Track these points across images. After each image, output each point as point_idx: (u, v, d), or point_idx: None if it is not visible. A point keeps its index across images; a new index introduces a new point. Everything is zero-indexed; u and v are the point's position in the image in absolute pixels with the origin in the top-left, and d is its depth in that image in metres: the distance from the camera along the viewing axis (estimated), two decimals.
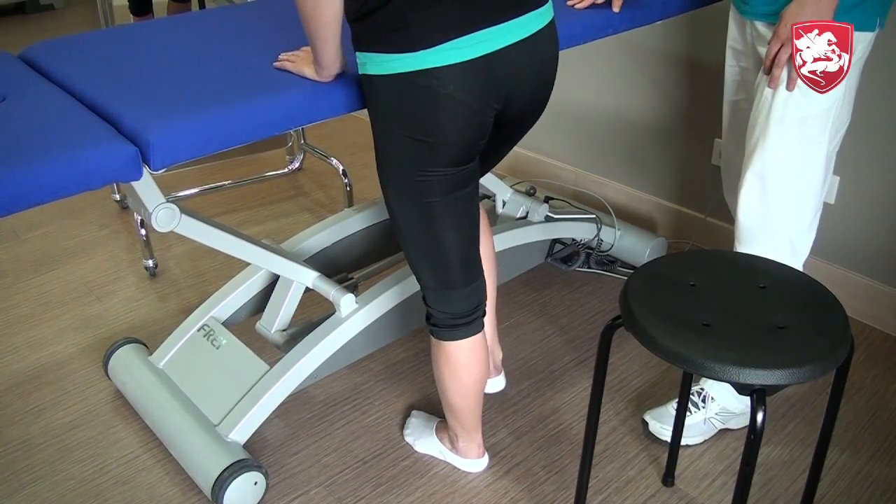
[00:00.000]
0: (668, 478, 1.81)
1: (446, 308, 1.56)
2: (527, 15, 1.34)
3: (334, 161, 3.03)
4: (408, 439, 1.94)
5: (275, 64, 1.56)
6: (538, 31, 1.38)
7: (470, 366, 1.63)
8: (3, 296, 2.54)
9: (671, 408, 1.90)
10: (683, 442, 1.87)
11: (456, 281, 1.53)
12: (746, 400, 1.79)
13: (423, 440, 1.91)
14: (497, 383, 2.06)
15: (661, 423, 1.90)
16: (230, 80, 1.52)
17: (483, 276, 1.59)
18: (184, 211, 1.58)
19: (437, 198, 1.42)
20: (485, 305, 1.62)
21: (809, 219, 1.70)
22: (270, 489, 1.81)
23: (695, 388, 1.90)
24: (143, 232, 2.61)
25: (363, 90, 1.43)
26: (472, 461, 1.85)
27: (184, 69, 1.57)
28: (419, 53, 1.27)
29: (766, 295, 1.34)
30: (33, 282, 2.61)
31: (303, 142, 3.26)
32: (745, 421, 1.90)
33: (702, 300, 1.32)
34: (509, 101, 1.40)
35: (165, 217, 1.55)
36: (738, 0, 1.71)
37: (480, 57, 1.30)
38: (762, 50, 1.65)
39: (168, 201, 1.54)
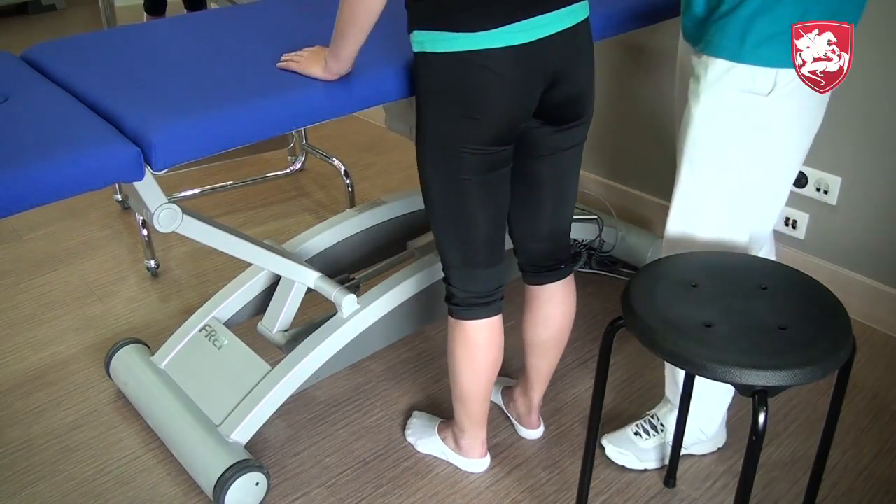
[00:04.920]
0: (670, 479, 1.81)
1: (469, 287, 1.61)
2: (569, 7, 1.43)
3: (336, 161, 3.03)
4: (409, 440, 1.94)
5: (278, 64, 1.56)
6: (578, 24, 1.46)
7: (486, 347, 1.66)
8: (5, 296, 2.54)
9: (630, 432, 1.87)
10: (630, 465, 1.85)
11: (480, 261, 1.58)
12: (702, 427, 1.79)
13: (425, 440, 1.91)
14: (535, 433, 1.97)
15: (618, 448, 1.86)
16: (232, 80, 1.52)
17: (505, 262, 1.64)
18: (186, 211, 1.58)
19: (473, 176, 1.48)
20: (504, 289, 1.66)
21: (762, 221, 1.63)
22: (272, 490, 1.82)
23: (649, 413, 1.89)
24: (144, 232, 2.62)
25: (414, 70, 1.46)
26: (474, 461, 1.85)
27: (186, 69, 1.58)
28: (479, 34, 1.35)
29: (767, 296, 1.34)
30: (35, 282, 2.61)
31: (304, 142, 3.26)
32: (710, 448, 1.88)
33: (703, 301, 1.32)
34: (553, 85, 1.47)
35: (167, 217, 1.55)
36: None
37: (531, 42, 1.39)
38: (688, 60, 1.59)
39: (170, 202, 1.54)
